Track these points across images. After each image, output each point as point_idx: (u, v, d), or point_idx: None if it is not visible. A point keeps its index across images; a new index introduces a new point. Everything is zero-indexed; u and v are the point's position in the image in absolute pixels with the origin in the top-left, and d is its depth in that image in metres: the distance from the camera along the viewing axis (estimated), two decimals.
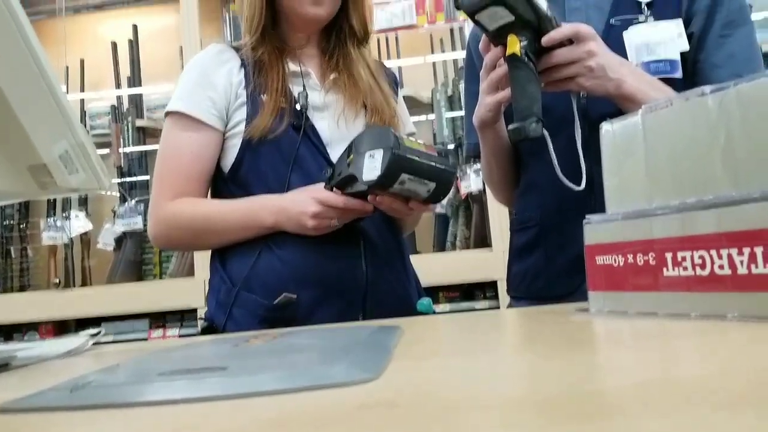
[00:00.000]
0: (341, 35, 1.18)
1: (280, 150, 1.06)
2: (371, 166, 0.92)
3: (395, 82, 1.28)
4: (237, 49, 1.14)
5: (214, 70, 1.10)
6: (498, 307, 2.24)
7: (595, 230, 0.62)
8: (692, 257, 0.49)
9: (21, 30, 0.52)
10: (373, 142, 0.94)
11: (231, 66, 1.11)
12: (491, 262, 2.22)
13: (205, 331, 1.08)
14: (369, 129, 1.06)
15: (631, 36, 0.99)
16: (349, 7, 1.16)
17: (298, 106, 1.08)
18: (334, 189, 0.99)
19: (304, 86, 1.11)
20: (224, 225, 1.06)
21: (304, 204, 0.99)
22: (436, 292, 2.33)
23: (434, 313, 1.15)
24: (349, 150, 0.99)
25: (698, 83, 0.93)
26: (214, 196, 1.14)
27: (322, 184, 1.00)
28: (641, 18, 1.00)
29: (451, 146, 2.54)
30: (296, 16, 1.12)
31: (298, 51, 1.15)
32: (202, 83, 1.09)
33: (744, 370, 0.33)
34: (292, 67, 1.12)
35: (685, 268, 0.50)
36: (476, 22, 0.86)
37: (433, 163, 0.95)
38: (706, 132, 0.52)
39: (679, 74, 0.97)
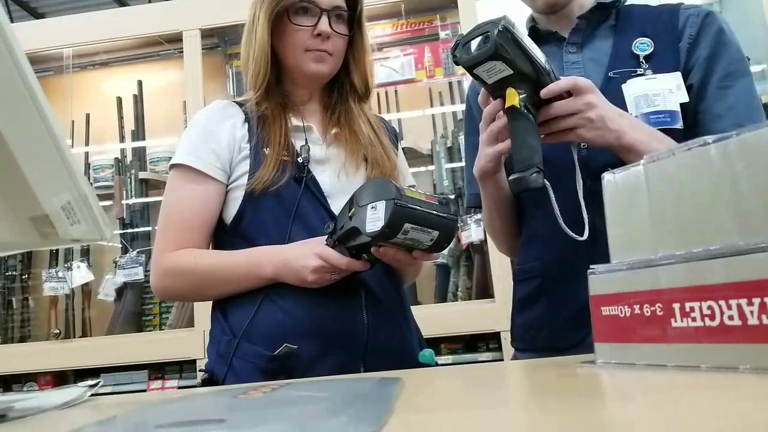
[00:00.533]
0: (343, 91, 1.21)
1: (281, 202, 1.06)
2: (374, 218, 0.92)
3: (395, 136, 1.29)
4: (241, 104, 1.16)
5: (218, 125, 1.12)
6: (501, 359, 2.20)
7: (600, 280, 0.61)
8: (701, 308, 0.48)
9: (28, 85, 0.54)
10: (375, 194, 0.94)
11: (235, 121, 1.12)
12: (494, 313, 2.20)
13: (205, 383, 1.06)
14: (370, 182, 1.07)
15: (630, 88, 1.00)
16: (350, 64, 1.19)
17: (300, 159, 1.09)
18: (336, 243, 0.98)
19: (306, 140, 1.12)
20: (225, 275, 1.05)
21: (305, 258, 0.99)
22: (438, 344, 2.30)
23: (436, 364, 1.13)
24: (350, 203, 0.99)
25: (699, 134, 0.94)
26: (217, 247, 1.14)
27: (324, 238, 1.00)
28: (639, 71, 1.01)
29: (451, 196, 2.55)
30: (300, 73, 1.14)
31: (301, 106, 1.18)
32: (207, 137, 1.10)
33: (759, 425, 0.32)
34: (295, 122, 1.14)
35: (694, 319, 0.49)
36: (475, 76, 0.87)
37: (435, 212, 0.95)
38: (710, 181, 0.51)
39: (679, 125, 0.97)
